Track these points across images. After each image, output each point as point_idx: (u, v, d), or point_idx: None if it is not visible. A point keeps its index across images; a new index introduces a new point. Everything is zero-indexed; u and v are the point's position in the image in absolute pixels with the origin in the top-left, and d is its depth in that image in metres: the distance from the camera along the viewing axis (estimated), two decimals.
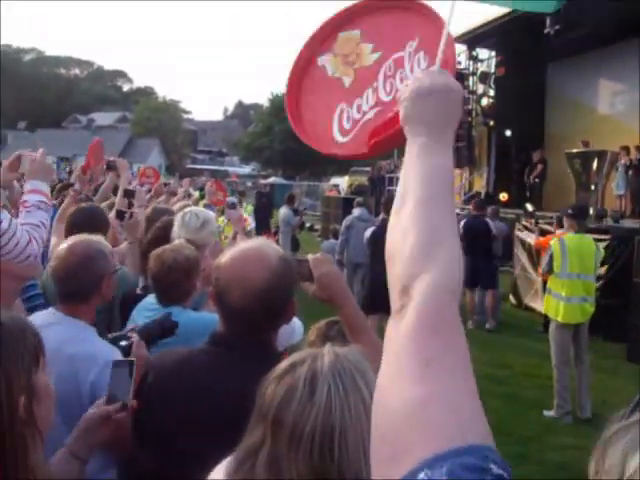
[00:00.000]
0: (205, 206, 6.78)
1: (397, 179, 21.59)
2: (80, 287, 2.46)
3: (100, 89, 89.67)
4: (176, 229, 3.76)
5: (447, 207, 0.96)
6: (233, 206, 5.37)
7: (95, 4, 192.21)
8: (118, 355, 2.26)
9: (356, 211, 10.49)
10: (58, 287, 2.50)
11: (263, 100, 71.51)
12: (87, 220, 3.56)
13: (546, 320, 7.75)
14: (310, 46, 1.71)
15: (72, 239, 2.57)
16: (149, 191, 6.30)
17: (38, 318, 2.29)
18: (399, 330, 0.81)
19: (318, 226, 24.91)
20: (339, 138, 1.54)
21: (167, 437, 1.84)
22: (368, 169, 30.83)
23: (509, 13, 15.48)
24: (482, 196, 16.15)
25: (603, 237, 9.85)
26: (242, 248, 1.93)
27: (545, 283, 7.65)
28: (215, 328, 1.93)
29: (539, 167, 15.79)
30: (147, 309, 3.07)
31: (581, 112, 16.44)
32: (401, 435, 0.70)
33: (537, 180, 15.79)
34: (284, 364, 1.31)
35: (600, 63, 15.64)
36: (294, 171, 51.28)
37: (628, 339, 9.01)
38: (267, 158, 56.19)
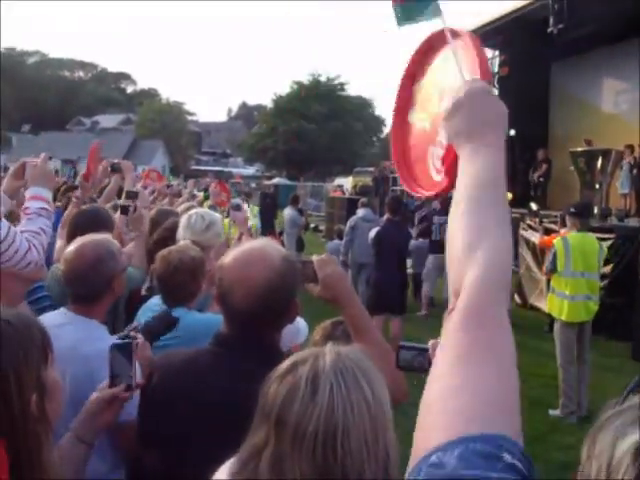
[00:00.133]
0: (209, 207, 6.80)
1: None
2: (91, 289, 2.47)
3: (104, 91, 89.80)
4: (181, 230, 3.76)
5: (493, 201, 0.99)
6: (238, 207, 5.35)
7: (98, 5, 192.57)
8: None
9: (360, 211, 10.50)
10: (69, 289, 2.51)
11: (267, 101, 71.59)
12: (91, 221, 3.56)
13: (552, 320, 7.74)
14: (397, 110, 1.76)
15: (79, 240, 2.57)
16: (152, 192, 6.31)
17: (49, 319, 2.29)
18: (447, 329, 0.86)
19: (322, 227, 24.90)
20: (436, 178, 1.59)
21: (172, 437, 1.84)
22: (372, 169, 30.81)
23: (512, 13, 15.49)
24: None
25: (608, 236, 9.84)
26: (245, 248, 1.93)
27: (549, 282, 7.64)
28: (219, 329, 1.94)
29: (543, 166, 15.76)
30: (152, 310, 3.08)
31: (585, 111, 16.41)
32: (428, 421, 0.74)
33: (541, 179, 15.77)
34: (286, 364, 1.31)
35: (604, 62, 15.61)
36: (298, 172, 51.30)
37: (633, 338, 8.99)
38: (271, 159, 56.19)
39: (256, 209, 13.58)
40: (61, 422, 1.70)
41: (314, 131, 53.06)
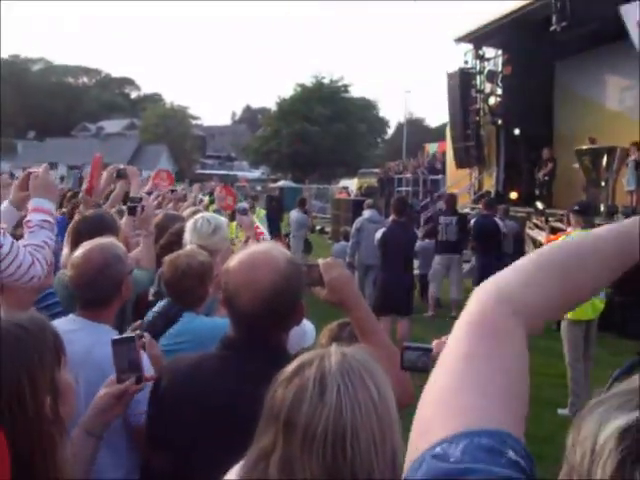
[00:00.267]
0: (214, 211, 6.81)
1: (406, 180, 21.46)
2: (100, 293, 2.48)
3: (108, 97, 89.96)
4: (188, 235, 3.76)
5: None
6: (244, 212, 5.36)
7: (101, 13, 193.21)
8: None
9: (366, 213, 10.48)
10: (78, 295, 2.52)
11: (271, 104, 71.62)
12: (95, 227, 3.55)
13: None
14: None
15: (85, 245, 2.57)
16: (157, 197, 6.31)
17: (59, 325, 2.30)
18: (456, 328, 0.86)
19: (328, 229, 24.90)
20: None
21: (179, 441, 1.85)
22: (377, 170, 30.84)
23: (515, 12, 15.47)
24: (492, 195, 16.10)
25: None
26: (250, 252, 1.94)
27: None
28: (226, 332, 1.95)
29: (549, 165, 15.72)
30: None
31: (590, 109, 16.36)
32: (430, 415, 0.75)
33: (547, 178, 15.73)
34: (292, 366, 1.32)
35: (607, 59, 15.56)
36: (303, 174, 51.32)
37: None
38: (276, 162, 56.22)
39: (263, 212, 13.60)
40: (74, 425, 1.71)
41: (318, 133, 53.06)
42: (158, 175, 8.39)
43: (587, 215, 7.34)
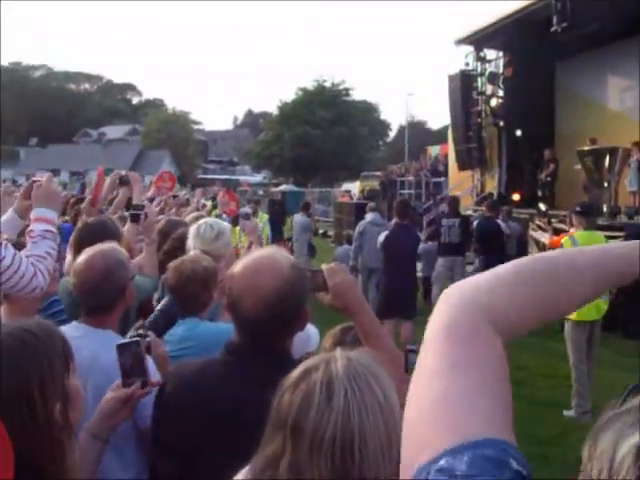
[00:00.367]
0: (217, 216, 6.81)
1: (408, 182, 21.42)
2: (104, 299, 2.48)
3: (110, 103, 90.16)
4: (191, 240, 3.75)
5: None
6: (247, 217, 5.36)
7: (102, 18, 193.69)
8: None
9: (369, 216, 10.48)
10: (82, 301, 2.52)
11: (272, 108, 71.61)
12: (97, 234, 3.54)
13: (562, 320, 7.72)
14: None
15: (88, 252, 2.57)
16: (159, 203, 6.32)
17: (65, 332, 2.31)
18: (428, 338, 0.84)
19: (331, 232, 24.91)
20: None
21: (184, 447, 1.86)
22: (379, 173, 30.84)
23: (515, 13, 15.49)
24: (494, 197, 16.10)
25: (618, 234, 9.81)
26: (254, 257, 1.94)
27: None
28: (230, 338, 1.95)
29: (551, 166, 15.71)
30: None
31: (591, 109, 16.35)
32: (425, 426, 0.74)
33: (549, 179, 15.72)
34: (297, 371, 1.32)
35: (608, 60, 15.56)
36: (305, 178, 51.34)
37: None
38: (278, 166, 56.23)
39: (265, 217, 13.59)
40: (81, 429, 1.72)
41: (320, 137, 53.08)
42: (161, 177, 8.39)
43: (590, 216, 7.33)
